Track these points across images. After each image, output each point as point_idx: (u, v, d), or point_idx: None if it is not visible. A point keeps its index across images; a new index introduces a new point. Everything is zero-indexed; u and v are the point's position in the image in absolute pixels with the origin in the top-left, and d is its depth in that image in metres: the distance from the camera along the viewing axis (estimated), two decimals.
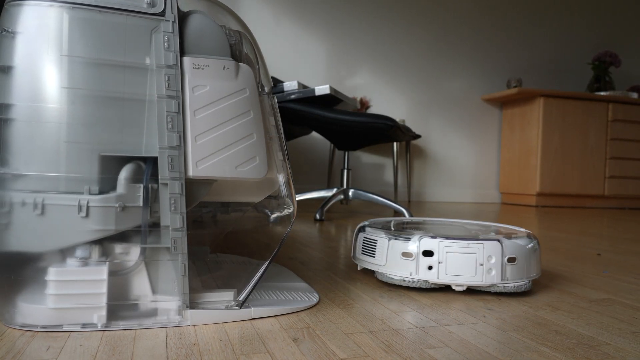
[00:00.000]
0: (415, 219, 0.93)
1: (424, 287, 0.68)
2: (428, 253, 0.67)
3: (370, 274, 0.80)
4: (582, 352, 0.47)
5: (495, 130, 3.32)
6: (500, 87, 3.33)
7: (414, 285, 0.68)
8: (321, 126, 1.78)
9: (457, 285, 0.67)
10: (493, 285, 0.66)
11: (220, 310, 0.53)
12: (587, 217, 2.29)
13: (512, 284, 0.67)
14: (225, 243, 1.01)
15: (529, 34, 3.40)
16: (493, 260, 0.66)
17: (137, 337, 0.48)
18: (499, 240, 0.67)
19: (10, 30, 0.49)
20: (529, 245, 0.69)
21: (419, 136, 2.71)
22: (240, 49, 0.58)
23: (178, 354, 0.44)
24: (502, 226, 0.84)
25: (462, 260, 0.66)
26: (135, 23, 0.50)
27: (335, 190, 1.94)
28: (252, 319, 0.55)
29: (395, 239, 0.70)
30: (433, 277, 0.66)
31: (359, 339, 0.49)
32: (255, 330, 0.51)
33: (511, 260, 0.66)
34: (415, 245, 0.68)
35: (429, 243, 0.67)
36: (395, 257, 0.69)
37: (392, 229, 0.75)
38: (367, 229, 0.76)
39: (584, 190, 3.03)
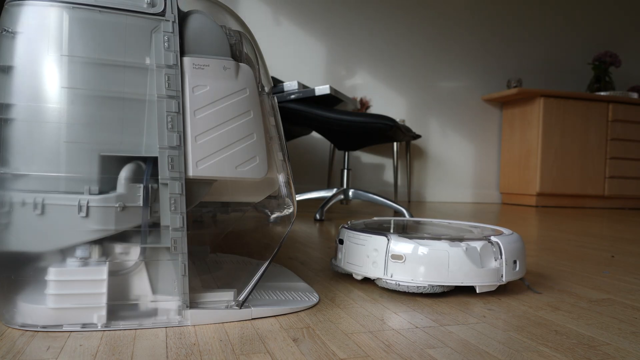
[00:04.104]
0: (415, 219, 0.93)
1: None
2: None
3: None
4: (582, 352, 0.47)
5: (495, 130, 3.32)
6: (500, 87, 3.33)
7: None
8: (321, 126, 1.78)
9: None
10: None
11: (220, 310, 0.53)
12: (587, 217, 2.29)
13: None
14: (225, 243, 1.01)
15: (529, 34, 3.40)
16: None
17: (137, 337, 0.48)
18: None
19: (10, 30, 0.49)
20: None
21: (419, 136, 2.71)
22: (240, 49, 0.58)
23: (178, 354, 0.44)
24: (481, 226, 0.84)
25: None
26: (135, 23, 0.50)
27: (335, 190, 1.94)
28: (252, 318, 0.55)
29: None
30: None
31: (359, 339, 0.49)
32: (255, 330, 0.51)
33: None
34: None
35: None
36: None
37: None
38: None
39: (584, 190, 3.03)
